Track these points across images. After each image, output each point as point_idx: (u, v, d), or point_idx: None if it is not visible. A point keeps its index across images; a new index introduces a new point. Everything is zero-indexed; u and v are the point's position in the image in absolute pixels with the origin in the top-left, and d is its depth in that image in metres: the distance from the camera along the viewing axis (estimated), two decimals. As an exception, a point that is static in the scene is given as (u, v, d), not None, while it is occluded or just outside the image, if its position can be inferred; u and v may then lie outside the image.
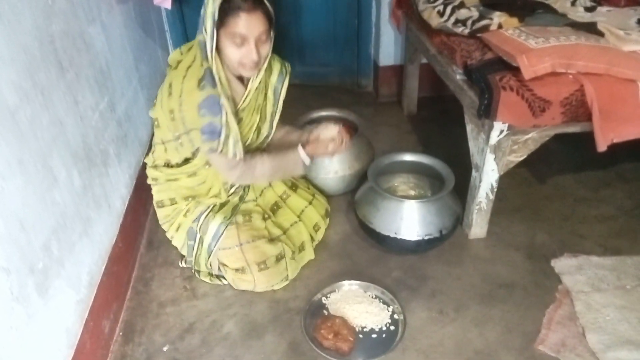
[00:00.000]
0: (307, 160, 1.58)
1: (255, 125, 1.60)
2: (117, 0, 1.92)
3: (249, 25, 1.30)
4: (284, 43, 3.00)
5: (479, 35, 1.71)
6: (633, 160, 2.25)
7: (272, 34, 1.40)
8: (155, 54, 2.50)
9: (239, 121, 1.49)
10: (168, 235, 1.73)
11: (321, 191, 2.01)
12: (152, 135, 1.71)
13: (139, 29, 2.19)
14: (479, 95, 1.55)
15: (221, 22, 1.30)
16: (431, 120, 2.71)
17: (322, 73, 3.11)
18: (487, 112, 1.51)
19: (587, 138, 1.53)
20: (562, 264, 1.74)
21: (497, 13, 1.74)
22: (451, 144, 2.41)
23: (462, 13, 1.86)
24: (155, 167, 1.64)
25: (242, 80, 1.50)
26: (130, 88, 1.97)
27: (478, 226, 1.84)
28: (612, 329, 1.49)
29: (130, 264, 1.76)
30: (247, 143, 1.59)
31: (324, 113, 2.19)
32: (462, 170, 1.83)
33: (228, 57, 1.37)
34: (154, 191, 1.68)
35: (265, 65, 1.48)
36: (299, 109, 2.83)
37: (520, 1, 1.81)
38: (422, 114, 2.77)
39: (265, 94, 1.60)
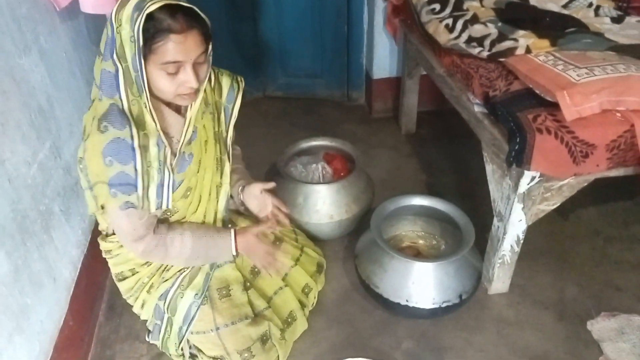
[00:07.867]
0: (233, 252, 1.29)
1: (219, 158, 1.32)
2: (63, 18, 1.58)
3: (184, 49, 1.02)
4: (265, 51, 2.68)
5: (501, 59, 1.43)
6: (662, 187, 2.01)
7: (210, 51, 1.11)
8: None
9: (190, 157, 1.20)
10: (134, 310, 1.41)
11: (313, 237, 1.72)
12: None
13: (93, 47, 1.84)
14: (508, 137, 1.27)
15: (145, 48, 1.00)
16: (432, 139, 2.43)
17: (308, 85, 2.80)
18: (519, 159, 1.24)
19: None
20: (600, 327, 1.48)
21: (522, 32, 1.45)
22: (457, 169, 2.14)
23: (477, 29, 1.57)
24: (104, 237, 1.32)
25: (179, 108, 1.18)
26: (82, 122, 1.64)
27: (500, 281, 1.57)
28: (670, 417, 1.25)
29: (86, 342, 1.45)
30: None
31: (314, 143, 1.88)
32: (475, 204, 1.57)
33: (160, 90, 1.08)
34: (110, 264, 1.35)
35: (204, 87, 1.18)
36: (281, 127, 2.57)
37: (548, 17, 1.52)
38: (421, 133, 2.48)
39: (219, 118, 1.30)
